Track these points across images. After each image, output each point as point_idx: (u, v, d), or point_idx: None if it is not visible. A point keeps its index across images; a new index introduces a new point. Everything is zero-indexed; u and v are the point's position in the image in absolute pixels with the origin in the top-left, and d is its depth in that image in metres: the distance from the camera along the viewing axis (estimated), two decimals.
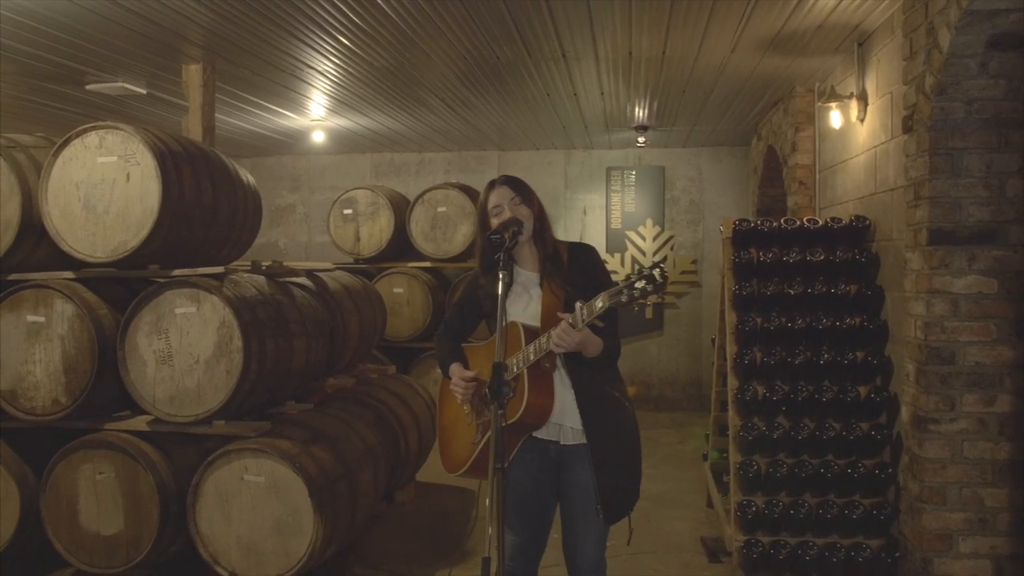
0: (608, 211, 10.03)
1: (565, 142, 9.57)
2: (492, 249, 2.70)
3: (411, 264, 7.85)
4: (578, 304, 2.60)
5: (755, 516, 4.45)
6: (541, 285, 2.92)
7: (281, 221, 10.67)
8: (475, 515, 5.66)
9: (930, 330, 3.90)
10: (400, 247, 7.96)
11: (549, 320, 2.81)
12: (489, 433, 2.80)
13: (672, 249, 9.91)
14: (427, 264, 7.85)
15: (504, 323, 2.57)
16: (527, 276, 2.95)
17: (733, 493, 4.66)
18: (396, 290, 7.69)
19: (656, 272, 2.49)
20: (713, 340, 6.30)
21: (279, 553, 4.02)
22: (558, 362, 2.83)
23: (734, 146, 9.83)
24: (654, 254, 9.90)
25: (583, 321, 2.57)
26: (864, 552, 4.27)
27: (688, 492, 6.41)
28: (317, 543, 3.97)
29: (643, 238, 9.92)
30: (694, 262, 9.90)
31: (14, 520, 4.19)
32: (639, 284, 2.49)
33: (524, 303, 2.91)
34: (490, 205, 2.92)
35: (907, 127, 4.08)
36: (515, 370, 2.74)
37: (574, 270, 2.92)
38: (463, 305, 3.15)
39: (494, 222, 2.89)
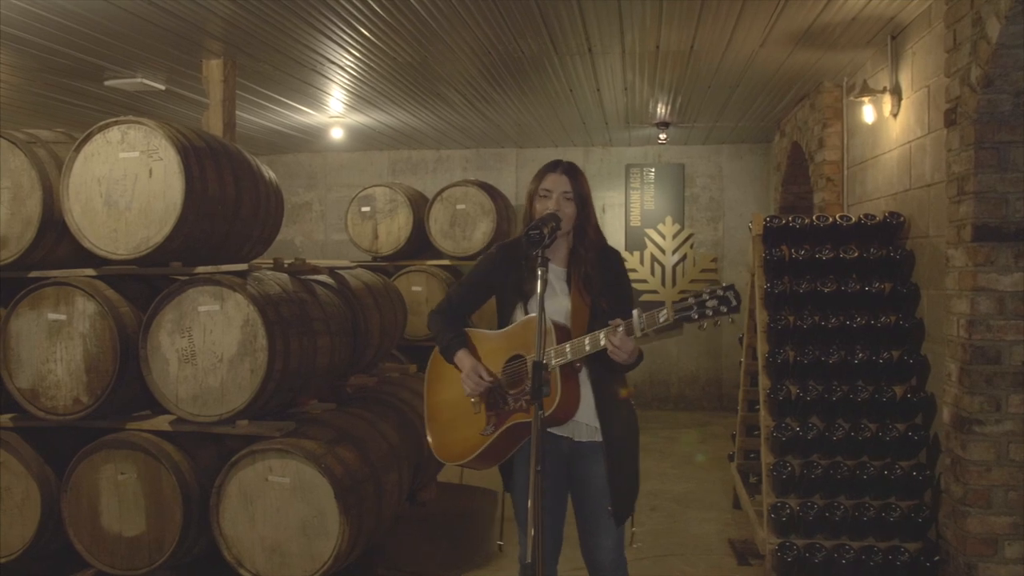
0: (627, 209, 9.94)
1: (584, 139, 9.47)
2: (530, 245, 2.63)
3: (429, 262, 7.74)
4: (636, 312, 2.55)
5: (789, 518, 4.35)
6: (569, 282, 2.88)
7: (297, 219, 10.60)
8: (501, 515, 5.55)
9: (974, 329, 3.79)
10: (418, 245, 7.86)
11: (579, 320, 2.77)
12: (503, 428, 2.77)
13: (692, 247, 9.81)
14: (446, 262, 7.74)
15: (544, 323, 2.48)
16: (555, 271, 2.90)
17: (766, 495, 4.56)
18: (415, 288, 7.59)
19: (731, 294, 2.45)
20: (740, 339, 6.19)
21: (304, 555, 3.94)
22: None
23: (755, 143, 9.71)
24: (674, 252, 9.79)
25: (642, 331, 2.52)
26: (902, 556, 4.16)
27: (713, 493, 6.31)
28: (343, 545, 3.89)
29: (663, 236, 9.82)
30: (714, 260, 9.79)
31: (35, 520, 4.13)
32: (711, 303, 2.45)
33: (552, 298, 2.84)
34: (542, 185, 2.87)
35: (950, 120, 3.97)
36: (553, 366, 2.68)
37: (603, 274, 2.87)
38: (477, 282, 3.03)
39: (537, 207, 2.86)
